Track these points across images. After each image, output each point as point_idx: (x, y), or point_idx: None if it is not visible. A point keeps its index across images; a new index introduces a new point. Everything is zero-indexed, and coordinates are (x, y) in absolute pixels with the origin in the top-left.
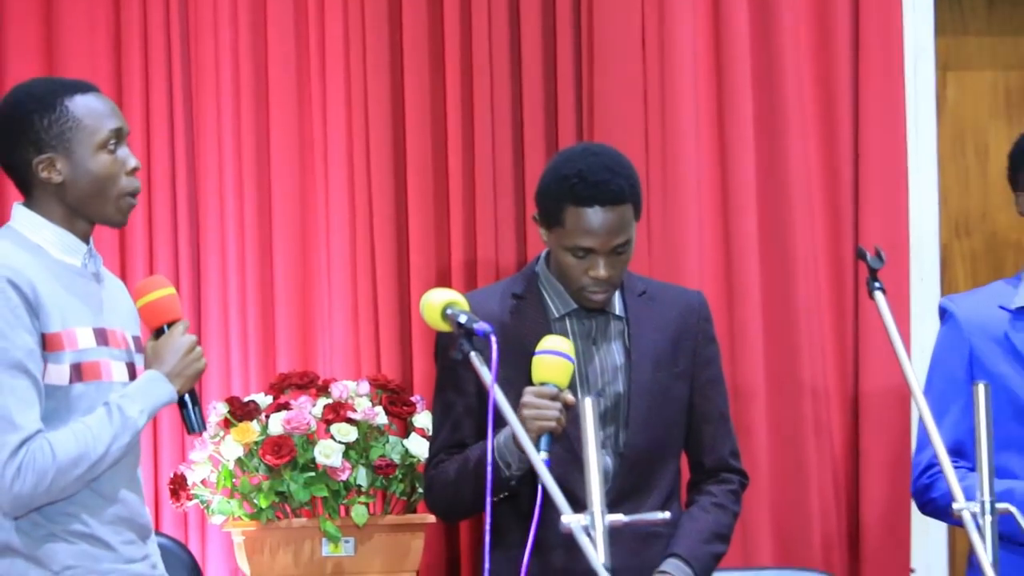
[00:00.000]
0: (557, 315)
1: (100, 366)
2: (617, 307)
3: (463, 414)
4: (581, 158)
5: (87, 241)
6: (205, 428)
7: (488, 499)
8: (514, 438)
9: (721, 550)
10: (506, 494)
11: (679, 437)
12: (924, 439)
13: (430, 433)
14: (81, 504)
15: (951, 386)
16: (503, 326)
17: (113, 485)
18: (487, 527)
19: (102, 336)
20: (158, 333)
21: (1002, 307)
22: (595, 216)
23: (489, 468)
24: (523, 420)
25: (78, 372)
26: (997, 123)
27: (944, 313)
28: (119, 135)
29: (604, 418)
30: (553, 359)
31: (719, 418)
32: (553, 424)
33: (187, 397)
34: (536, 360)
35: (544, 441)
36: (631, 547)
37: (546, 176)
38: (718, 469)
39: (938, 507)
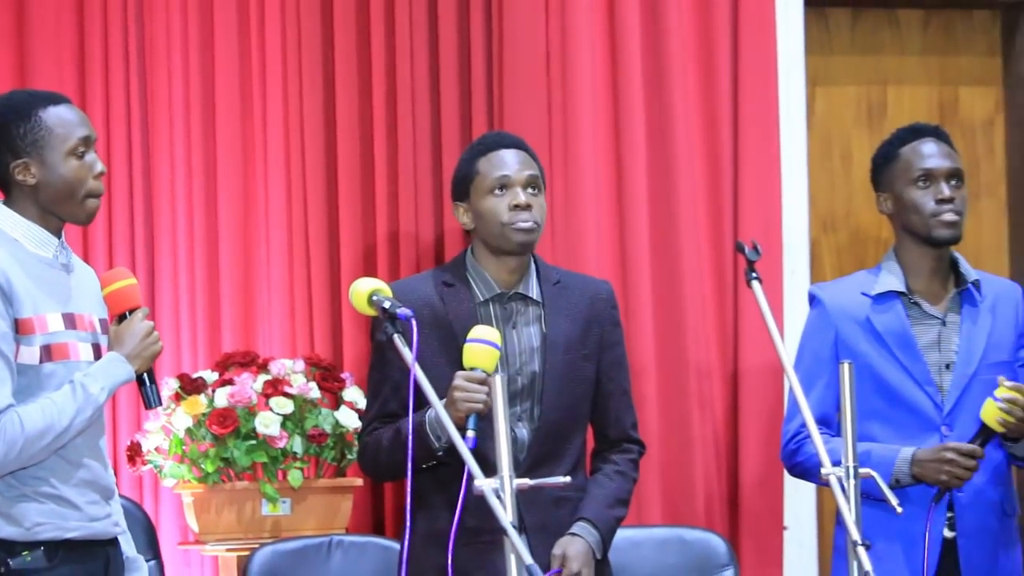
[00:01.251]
0: (482, 299)
1: (68, 347)
2: (534, 293)
3: (392, 389)
4: (482, 136)
5: (59, 236)
6: (161, 404)
7: (410, 466)
8: None
9: (623, 513)
10: (433, 463)
11: (586, 412)
12: (792, 411)
13: (360, 406)
14: (50, 469)
15: (817, 364)
16: (434, 308)
17: (79, 453)
18: (409, 491)
19: (70, 320)
20: (121, 319)
21: (864, 293)
22: (503, 154)
23: (411, 438)
24: (454, 401)
25: (48, 353)
26: (860, 132)
27: (813, 299)
28: (87, 142)
29: (521, 394)
30: (482, 347)
31: (622, 395)
32: (480, 406)
33: (145, 376)
34: (467, 348)
35: (472, 420)
36: (544, 510)
37: (458, 162)
38: (620, 440)
39: (804, 468)
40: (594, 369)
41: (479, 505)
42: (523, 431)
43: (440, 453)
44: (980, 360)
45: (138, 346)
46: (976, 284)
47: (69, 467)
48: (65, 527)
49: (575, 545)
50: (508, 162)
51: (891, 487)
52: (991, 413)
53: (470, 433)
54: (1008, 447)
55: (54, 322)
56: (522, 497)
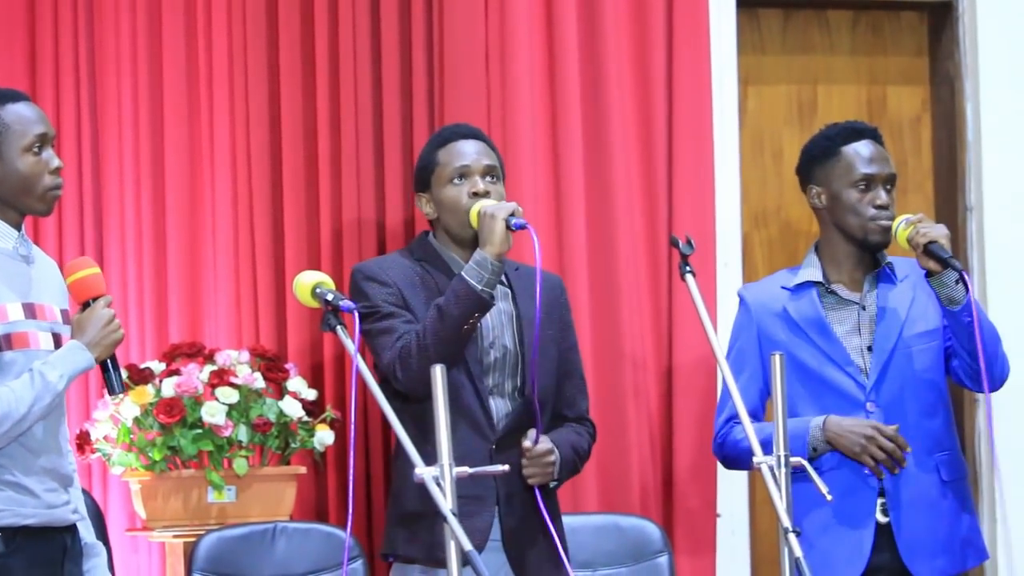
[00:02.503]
0: (457, 272)
1: (28, 336)
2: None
3: (396, 304)
4: (441, 128)
5: (18, 228)
6: (124, 390)
7: (351, 452)
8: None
9: (579, 466)
10: (476, 316)
11: (555, 390)
12: (722, 404)
13: (303, 396)
14: (9, 457)
15: (741, 359)
16: (420, 273)
17: (39, 441)
18: (350, 476)
19: (30, 310)
20: (84, 307)
21: (783, 287)
22: (461, 144)
23: (352, 427)
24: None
25: (8, 341)
26: (790, 130)
27: (740, 299)
28: (44, 139)
29: (494, 367)
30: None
31: (579, 378)
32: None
33: (108, 363)
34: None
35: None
36: (514, 481)
37: (419, 156)
38: (577, 419)
39: (732, 455)
40: (556, 351)
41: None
42: (497, 403)
43: (486, 295)
44: (899, 335)
45: (98, 334)
46: (890, 266)
47: (28, 455)
48: (22, 513)
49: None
50: (467, 152)
51: (809, 458)
52: (903, 235)
53: (517, 220)
54: (935, 286)
55: (14, 312)
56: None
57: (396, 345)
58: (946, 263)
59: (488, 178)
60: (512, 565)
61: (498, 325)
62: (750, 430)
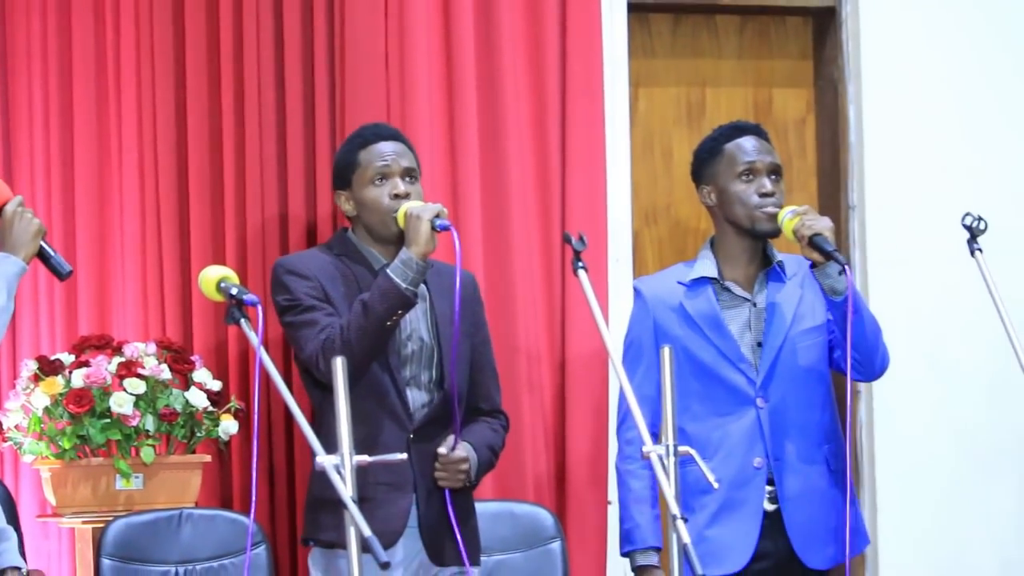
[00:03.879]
0: (377, 267)
1: None
2: None
3: (317, 297)
4: (361, 127)
5: None
6: (72, 269)
7: (254, 441)
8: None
9: (493, 461)
10: (399, 313)
11: (469, 383)
12: (622, 415)
13: (208, 387)
14: None
15: (637, 352)
16: (338, 267)
17: None
18: (253, 464)
19: None
20: None
21: (679, 282)
22: (381, 146)
23: (255, 418)
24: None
25: None
26: (680, 130)
27: (635, 292)
28: None
29: (411, 359)
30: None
31: (492, 371)
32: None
33: (45, 251)
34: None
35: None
36: (431, 469)
37: (338, 154)
38: (491, 411)
39: (620, 480)
40: (469, 346)
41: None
42: (415, 395)
43: (409, 293)
44: (787, 332)
45: (15, 234)
46: (780, 264)
47: None
48: None
49: (461, 443)
50: (387, 153)
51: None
52: (788, 226)
53: (442, 221)
54: (819, 277)
55: None
56: (416, 459)
57: (319, 337)
58: (829, 255)
59: (407, 179)
60: (428, 551)
61: (415, 319)
62: (642, 426)
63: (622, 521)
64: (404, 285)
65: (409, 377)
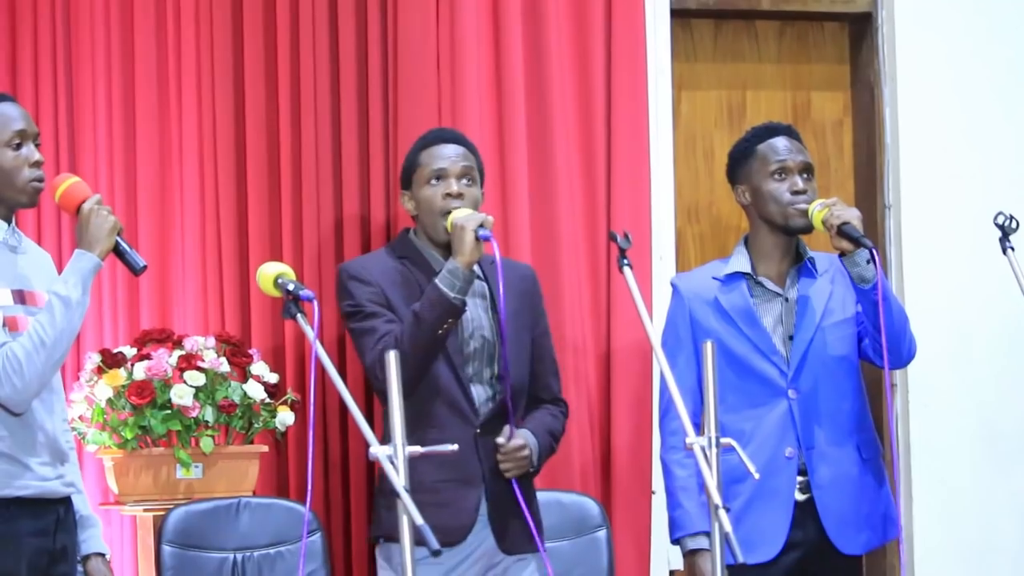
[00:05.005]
0: (437, 270)
1: (18, 320)
2: (477, 269)
3: (379, 304)
4: (428, 131)
5: (9, 221)
6: (146, 265)
7: (310, 432)
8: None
9: (554, 446)
10: (450, 322)
11: (530, 375)
12: (664, 405)
13: (266, 379)
14: (9, 430)
15: (676, 345)
16: (400, 271)
17: (34, 416)
18: (309, 455)
19: (19, 296)
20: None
21: (714, 277)
22: (441, 148)
23: (311, 409)
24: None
25: (1, 323)
26: (721, 132)
27: (673, 288)
28: (23, 135)
29: (474, 357)
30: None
31: (551, 362)
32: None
33: (120, 247)
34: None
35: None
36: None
37: (407, 154)
38: (552, 400)
39: (665, 469)
40: (530, 339)
41: (446, 463)
42: (479, 390)
43: (461, 304)
44: (818, 326)
45: (91, 230)
46: (811, 260)
47: (24, 430)
48: (16, 485)
49: (518, 431)
50: (446, 154)
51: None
52: (818, 217)
53: (483, 231)
54: (848, 266)
55: (3, 297)
56: (482, 451)
57: (376, 348)
58: (858, 242)
59: (464, 180)
60: (496, 538)
61: (476, 317)
62: (685, 418)
63: (670, 508)
64: (452, 295)
65: (472, 374)
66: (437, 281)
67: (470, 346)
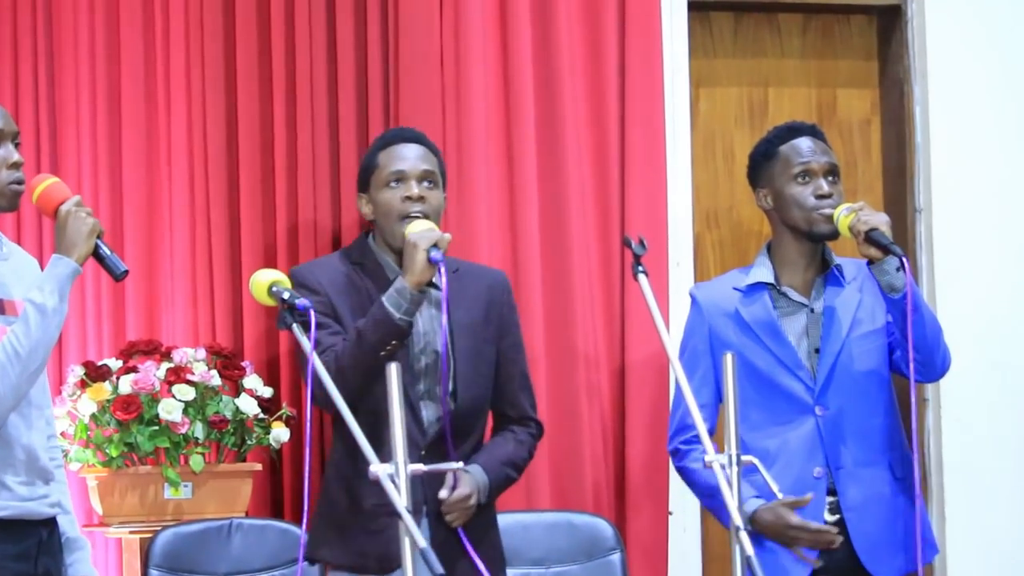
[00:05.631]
0: (391, 279)
1: None
2: (436, 278)
3: (324, 320)
4: (386, 130)
5: None
6: (127, 270)
7: (307, 449)
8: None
9: (514, 476)
10: (394, 343)
11: (490, 392)
12: (675, 409)
13: (259, 393)
14: None
15: (693, 359)
16: (350, 277)
17: (13, 435)
18: (306, 473)
19: None
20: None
21: (735, 288)
22: (401, 148)
23: (307, 425)
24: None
25: None
26: (741, 131)
27: (692, 299)
28: (0, 135)
29: (424, 373)
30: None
31: (522, 377)
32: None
33: (100, 251)
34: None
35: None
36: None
37: (364, 155)
38: (520, 418)
39: (687, 479)
40: (495, 352)
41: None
42: (428, 410)
43: (403, 324)
44: (846, 338)
45: (69, 234)
46: (839, 268)
47: (3, 447)
48: None
49: (464, 476)
50: (405, 156)
51: None
52: (844, 223)
53: (435, 254)
54: (876, 274)
55: None
56: (426, 479)
57: (327, 358)
58: (887, 249)
59: (425, 183)
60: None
61: (430, 331)
62: (704, 434)
63: (709, 503)
64: (398, 315)
65: (423, 391)
66: (384, 299)
67: (421, 362)
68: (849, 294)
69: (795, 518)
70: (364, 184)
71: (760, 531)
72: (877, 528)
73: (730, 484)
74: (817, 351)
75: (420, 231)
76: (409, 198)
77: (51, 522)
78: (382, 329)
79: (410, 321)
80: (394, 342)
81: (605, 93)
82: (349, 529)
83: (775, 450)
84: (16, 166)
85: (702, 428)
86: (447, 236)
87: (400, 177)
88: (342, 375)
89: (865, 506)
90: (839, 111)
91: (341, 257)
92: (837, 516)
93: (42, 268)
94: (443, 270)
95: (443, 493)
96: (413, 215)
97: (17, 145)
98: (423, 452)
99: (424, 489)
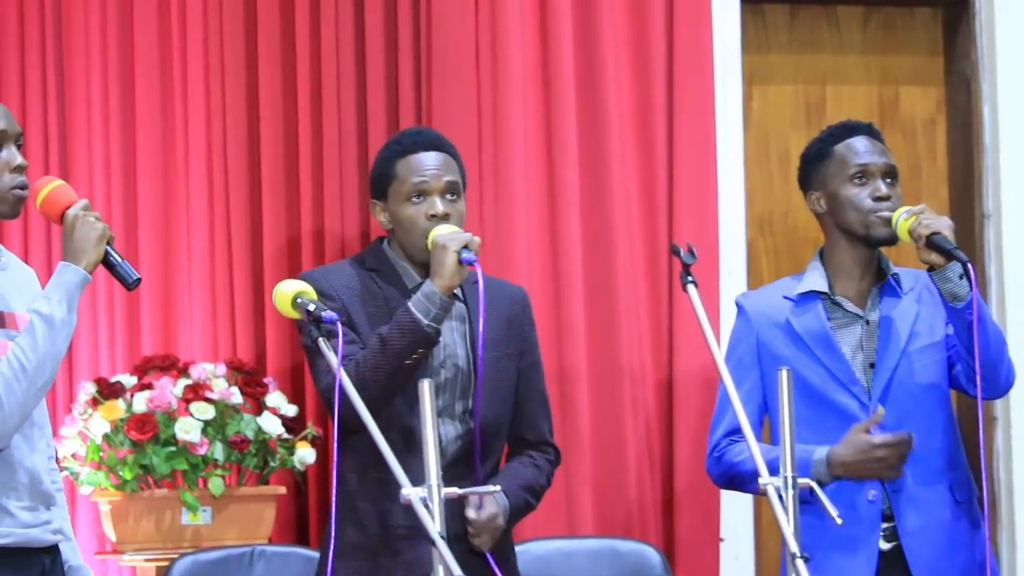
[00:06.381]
0: (411, 286)
1: None
2: (456, 289)
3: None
4: (402, 133)
5: None
6: (140, 278)
7: (334, 471)
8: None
9: (532, 503)
10: (420, 352)
11: (511, 411)
12: (718, 417)
13: (283, 412)
14: None
15: (738, 372)
16: (366, 285)
17: (15, 456)
18: (333, 497)
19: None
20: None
21: (785, 297)
22: (421, 158)
23: (335, 445)
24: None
25: None
26: (797, 132)
27: (737, 307)
28: (3, 136)
29: (444, 388)
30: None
31: (540, 397)
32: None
33: (110, 258)
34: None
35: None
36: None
37: (375, 160)
38: (538, 443)
39: (723, 475)
40: (515, 370)
41: (404, 511)
42: (447, 427)
43: (434, 333)
44: (903, 352)
45: (76, 240)
46: (896, 277)
47: (5, 470)
48: None
49: (488, 497)
50: (427, 166)
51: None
52: (904, 227)
53: (468, 254)
54: (938, 281)
55: None
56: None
57: (332, 371)
58: (950, 254)
59: (448, 196)
60: None
61: (452, 342)
62: (755, 446)
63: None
64: (426, 321)
65: (441, 407)
66: (410, 304)
67: (440, 376)
68: (906, 305)
69: (876, 437)
70: (380, 192)
71: (838, 472)
72: (937, 555)
73: (786, 510)
74: (872, 365)
75: (448, 233)
76: (435, 216)
77: (54, 549)
78: (409, 336)
79: (438, 328)
80: (420, 350)
81: (651, 91)
82: (360, 555)
83: None
84: (19, 169)
85: (755, 447)
86: (477, 238)
87: (423, 191)
88: (364, 386)
89: (924, 532)
90: (902, 110)
91: (353, 263)
92: (893, 543)
93: (44, 279)
94: (479, 271)
95: (471, 513)
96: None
97: (20, 147)
98: (441, 473)
99: (443, 512)
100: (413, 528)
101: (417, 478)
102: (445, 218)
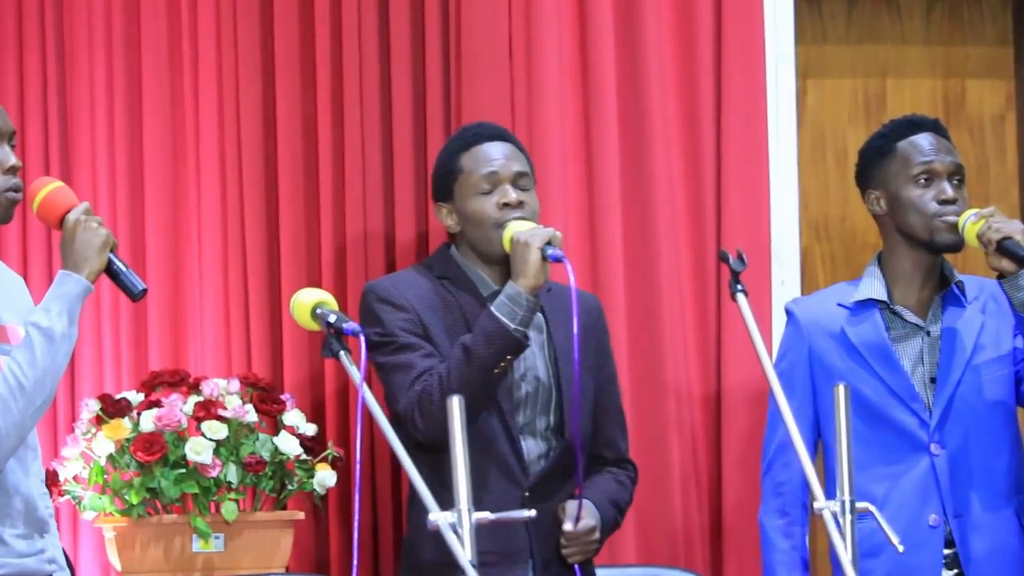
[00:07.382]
0: (486, 293)
1: None
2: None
3: (416, 341)
4: (462, 128)
5: None
6: (146, 288)
7: (356, 495)
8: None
9: (619, 520)
10: (508, 359)
11: (592, 426)
12: (771, 430)
13: (301, 431)
14: None
15: (789, 384)
16: (441, 295)
17: (11, 480)
18: (355, 523)
19: None
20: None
21: (840, 304)
22: (486, 148)
23: (357, 467)
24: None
25: None
26: (856, 129)
27: (788, 314)
28: None
29: (525, 403)
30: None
31: (617, 412)
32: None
33: (112, 269)
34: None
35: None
36: (553, 539)
37: (437, 160)
38: (617, 460)
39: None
40: (594, 383)
41: (489, 534)
42: (530, 445)
43: (519, 335)
44: (967, 365)
45: (78, 247)
46: (960, 285)
47: (1, 497)
48: None
49: (587, 507)
50: (494, 156)
51: None
52: (972, 231)
53: (553, 251)
54: (1008, 289)
55: None
56: (531, 524)
57: (415, 388)
58: (1022, 261)
59: (518, 186)
60: None
61: (529, 355)
62: (808, 465)
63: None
64: (512, 326)
65: (523, 424)
66: (493, 309)
67: (522, 389)
68: (971, 316)
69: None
70: (445, 193)
71: None
72: None
73: (843, 535)
74: (933, 380)
75: (528, 229)
76: (508, 204)
77: None
78: (497, 343)
79: (526, 332)
80: (509, 357)
81: (698, 86)
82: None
83: (883, 494)
84: (13, 171)
85: (810, 469)
86: (559, 233)
87: (493, 181)
88: (451, 391)
89: (990, 560)
90: (968, 105)
91: (420, 271)
92: (956, 571)
93: (43, 289)
94: (569, 267)
95: (567, 525)
96: (513, 220)
97: (13, 146)
98: (526, 494)
99: (529, 535)
100: (501, 553)
101: (502, 498)
102: (519, 206)
